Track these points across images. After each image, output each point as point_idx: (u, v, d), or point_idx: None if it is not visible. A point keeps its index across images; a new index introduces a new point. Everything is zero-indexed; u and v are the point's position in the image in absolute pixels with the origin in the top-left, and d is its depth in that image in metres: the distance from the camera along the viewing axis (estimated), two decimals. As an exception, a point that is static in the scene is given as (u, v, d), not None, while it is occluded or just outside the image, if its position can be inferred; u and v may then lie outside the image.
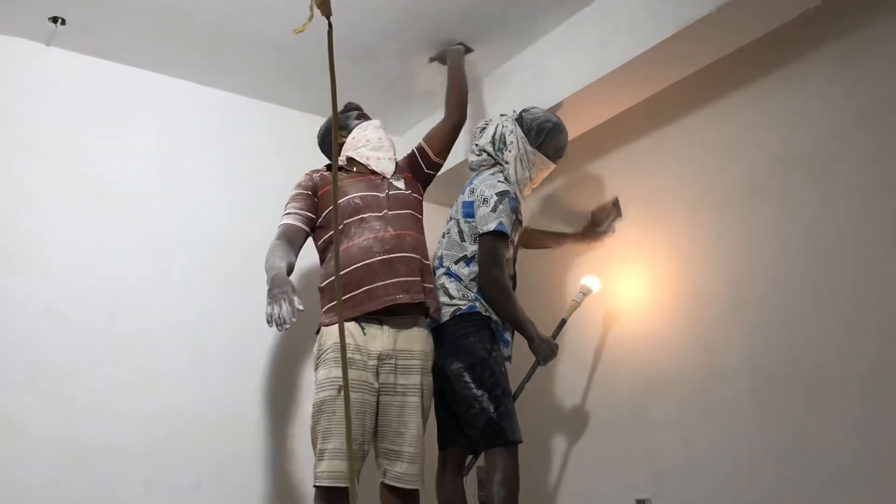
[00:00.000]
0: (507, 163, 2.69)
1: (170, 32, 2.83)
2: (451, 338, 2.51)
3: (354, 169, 2.66)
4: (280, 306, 2.07)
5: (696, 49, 2.62)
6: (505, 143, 2.71)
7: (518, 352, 2.69)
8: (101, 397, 2.62)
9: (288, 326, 2.05)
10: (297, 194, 2.55)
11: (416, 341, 2.44)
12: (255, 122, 3.27)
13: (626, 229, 3.03)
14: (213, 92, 3.21)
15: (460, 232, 2.63)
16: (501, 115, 2.80)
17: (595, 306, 3.04)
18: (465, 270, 2.57)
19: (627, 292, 2.98)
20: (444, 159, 2.79)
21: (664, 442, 2.76)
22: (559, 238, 3.15)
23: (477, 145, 2.79)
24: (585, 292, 2.91)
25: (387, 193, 2.56)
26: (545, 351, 2.56)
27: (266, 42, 2.92)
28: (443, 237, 2.72)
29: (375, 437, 2.38)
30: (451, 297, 2.55)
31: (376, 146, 2.67)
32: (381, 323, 2.40)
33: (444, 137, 2.78)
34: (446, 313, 2.54)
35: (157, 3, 2.65)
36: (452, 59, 2.95)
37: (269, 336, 3.01)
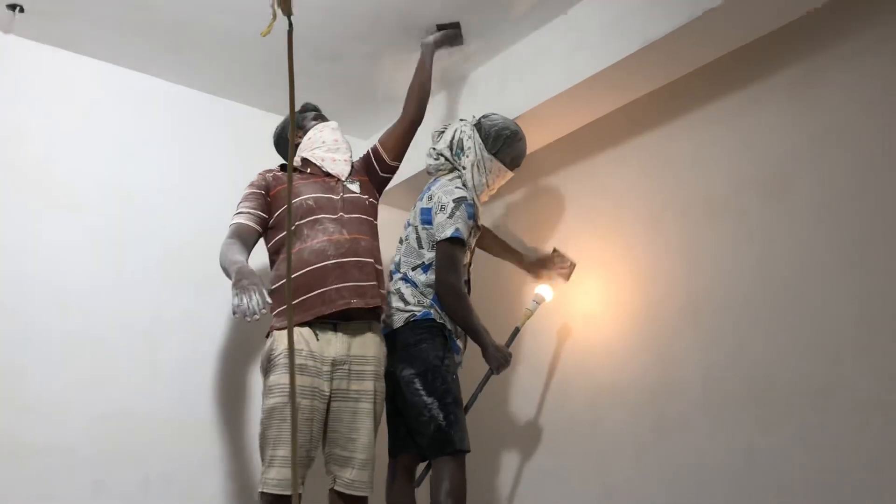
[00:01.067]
0: (463, 168, 2.69)
1: (134, 25, 2.79)
2: (404, 344, 2.50)
3: (309, 170, 2.63)
4: (250, 297, 2.03)
5: (660, 66, 2.65)
6: (462, 149, 2.70)
7: (471, 359, 2.69)
8: (49, 396, 2.57)
9: (258, 318, 2.02)
10: (250, 193, 2.52)
11: (369, 347, 2.42)
12: (215, 120, 3.23)
13: (586, 240, 3.04)
14: (174, 87, 3.16)
15: (418, 239, 2.62)
16: (461, 121, 2.80)
17: (551, 316, 3.05)
18: (421, 277, 2.57)
19: (584, 303, 3.00)
20: (400, 162, 2.76)
21: (616, 455, 2.77)
22: (508, 253, 3.11)
23: (434, 149, 2.78)
24: (539, 301, 2.91)
25: (342, 196, 2.54)
26: (498, 360, 2.56)
27: (231, 40, 2.89)
28: (400, 243, 2.71)
29: (324, 444, 2.37)
30: (407, 303, 2.55)
31: (332, 148, 2.64)
32: (335, 328, 2.38)
33: (400, 139, 2.76)
34: (400, 319, 2.53)
35: (122, -5, 2.61)
36: (422, 52, 2.87)
37: (220, 338, 2.98)
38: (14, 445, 2.47)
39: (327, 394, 2.34)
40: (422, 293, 2.55)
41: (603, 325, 2.92)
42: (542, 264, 3.06)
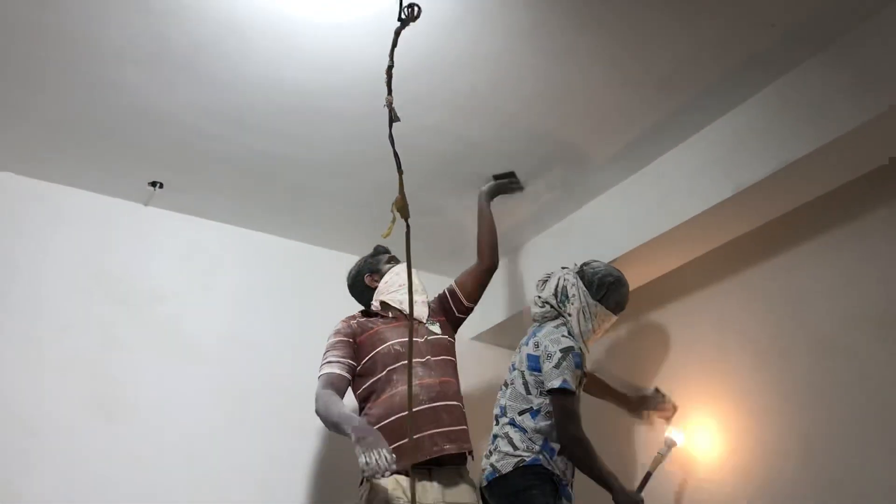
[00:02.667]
0: (569, 315, 2.76)
1: (256, 192, 3.08)
2: (514, 489, 2.52)
3: (390, 314, 2.70)
4: (379, 454, 2.06)
5: (757, 207, 2.68)
6: (567, 296, 2.78)
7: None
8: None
9: (388, 475, 2.07)
10: (338, 342, 2.57)
11: (464, 494, 2.43)
12: (327, 270, 3.41)
13: (690, 378, 3.02)
14: (288, 242, 3.41)
15: (525, 384, 2.67)
16: (563, 269, 2.89)
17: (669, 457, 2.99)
18: (530, 423, 2.61)
19: (698, 443, 2.93)
20: (475, 304, 2.85)
21: None
22: (609, 395, 3.14)
23: (539, 297, 2.86)
24: (671, 445, 2.86)
25: (426, 339, 2.60)
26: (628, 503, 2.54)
27: (340, 199, 3.13)
28: (505, 387, 2.77)
29: None
30: (515, 448, 2.57)
31: None
32: (429, 474, 2.38)
33: (477, 282, 2.86)
34: (509, 464, 2.55)
35: (247, 166, 2.89)
36: (480, 202, 2.99)
37: (334, 480, 3.06)
38: None
39: None
40: (530, 439, 2.58)
41: (717, 466, 2.84)
42: (644, 404, 3.07)
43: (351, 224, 3.30)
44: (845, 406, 2.48)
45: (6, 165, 2.85)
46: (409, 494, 2.30)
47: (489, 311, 3.63)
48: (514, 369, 2.76)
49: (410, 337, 1.40)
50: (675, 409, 2.97)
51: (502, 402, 2.74)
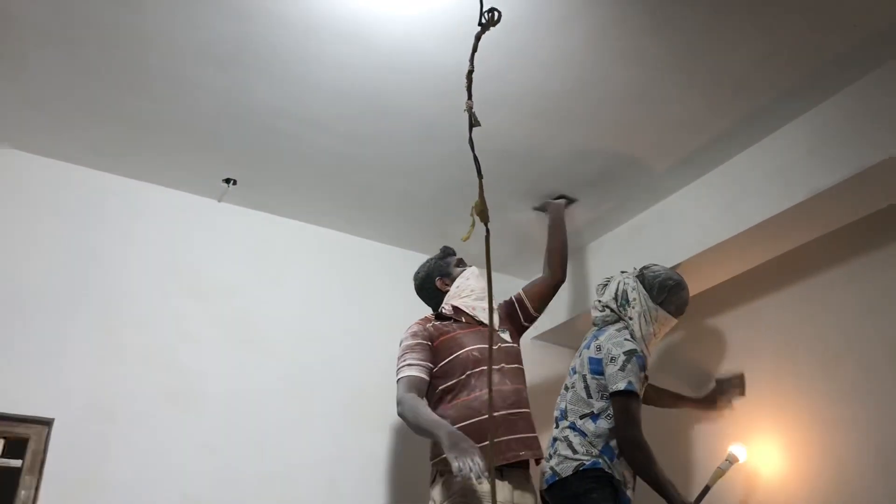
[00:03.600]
0: (630, 319, 2.76)
1: (326, 190, 3.14)
2: (574, 493, 2.53)
3: (463, 319, 2.74)
4: (473, 461, 2.12)
5: (830, 213, 2.63)
6: (628, 300, 2.78)
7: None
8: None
9: (482, 481, 2.15)
10: (416, 344, 2.63)
11: (528, 496, 2.51)
12: (393, 268, 3.47)
13: (758, 384, 2.98)
14: (356, 240, 3.47)
15: (586, 387, 2.68)
16: (622, 273, 2.88)
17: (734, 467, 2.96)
18: (590, 426, 2.61)
19: (764, 454, 2.89)
20: (540, 314, 2.91)
21: None
22: (677, 400, 3.13)
23: (600, 301, 2.86)
24: (732, 461, 2.83)
25: (499, 346, 2.66)
26: None
27: (408, 197, 3.18)
28: (566, 390, 2.78)
29: None
30: (575, 452, 2.58)
31: (480, 296, 2.77)
32: (500, 475, 2.45)
33: (545, 294, 2.92)
34: (569, 467, 2.56)
35: (318, 165, 2.96)
36: (554, 213, 3.04)
37: (399, 474, 3.12)
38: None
39: None
40: (590, 443, 2.58)
41: (785, 477, 2.80)
42: (713, 397, 3.06)
43: (418, 223, 3.35)
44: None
45: (89, 161, 2.96)
46: (479, 492, 2.36)
47: (552, 311, 3.63)
48: (575, 373, 2.77)
49: (490, 343, 1.44)
50: (741, 378, 3.00)
51: (563, 405, 2.75)
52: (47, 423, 2.63)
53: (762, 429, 2.92)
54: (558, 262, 2.96)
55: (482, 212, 1.45)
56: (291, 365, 3.12)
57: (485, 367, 2.56)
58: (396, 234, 3.46)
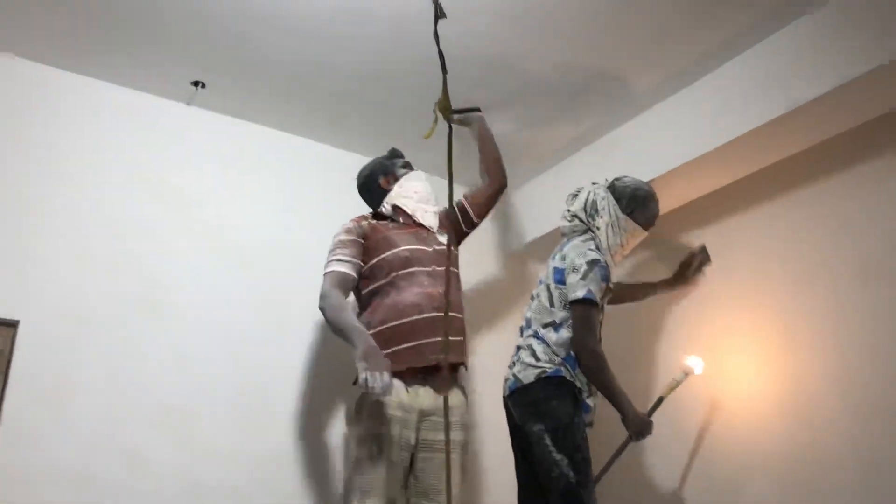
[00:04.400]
0: (598, 229, 2.74)
1: (299, 96, 3.05)
2: (535, 399, 2.56)
3: (401, 220, 2.70)
4: (382, 379, 2.16)
5: (810, 126, 2.61)
6: (597, 210, 2.76)
7: (608, 425, 2.70)
8: (220, 439, 2.81)
9: (384, 399, 2.20)
10: (350, 240, 2.58)
11: (455, 397, 2.52)
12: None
13: (729, 302, 2.99)
14: (330, 149, 3.40)
15: (550, 297, 2.68)
16: (593, 184, 2.86)
17: (695, 378, 3.00)
18: (553, 336, 2.62)
19: (728, 366, 2.93)
20: (482, 221, 2.87)
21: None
22: (651, 288, 3.13)
23: (569, 211, 2.84)
24: (687, 372, 2.88)
25: (434, 248, 2.61)
26: (639, 427, 2.58)
27: (381, 105, 3.10)
28: (532, 300, 2.78)
29: (410, 495, 2.43)
30: (538, 360, 2.60)
31: (423, 198, 2.73)
32: (423, 380, 2.44)
33: (488, 201, 2.87)
34: (531, 375, 2.58)
35: (290, 70, 2.87)
36: (479, 123, 2.96)
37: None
38: (189, 484, 2.71)
39: (413, 444, 2.41)
40: (553, 351, 2.59)
41: (749, 392, 2.85)
42: (681, 273, 3.08)
43: (392, 132, 3.26)
44: (891, 332, 2.44)
45: (48, 58, 2.83)
46: (401, 397, 2.39)
47: (528, 226, 3.62)
48: (541, 283, 2.77)
49: (449, 247, 1.38)
50: (703, 249, 3.03)
51: (527, 314, 2.76)
52: (13, 324, 2.60)
53: (730, 346, 2.94)
54: (496, 168, 2.91)
55: (445, 108, 1.40)
56: (265, 275, 3.08)
57: (415, 269, 2.53)
58: (370, 145, 3.37)
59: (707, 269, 3.05)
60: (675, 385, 2.87)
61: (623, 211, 2.75)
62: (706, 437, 2.97)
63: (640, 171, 2.92)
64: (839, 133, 2.65)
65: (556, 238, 3.36)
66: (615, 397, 2.56)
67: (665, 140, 2.97)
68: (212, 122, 3.15)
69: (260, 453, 2.86)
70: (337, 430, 3.02)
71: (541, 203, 3.56)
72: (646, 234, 2.83)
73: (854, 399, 2.50)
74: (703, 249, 3.05)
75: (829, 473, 2.51)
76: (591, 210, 2.77)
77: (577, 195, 2.87)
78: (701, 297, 3.10)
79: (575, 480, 2.43)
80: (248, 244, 3.09)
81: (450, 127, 1.42)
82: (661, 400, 2.84)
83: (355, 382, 2.46)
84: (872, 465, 2.40)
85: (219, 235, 3.04)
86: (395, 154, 2.88)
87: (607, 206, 2.74)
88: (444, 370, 1.32)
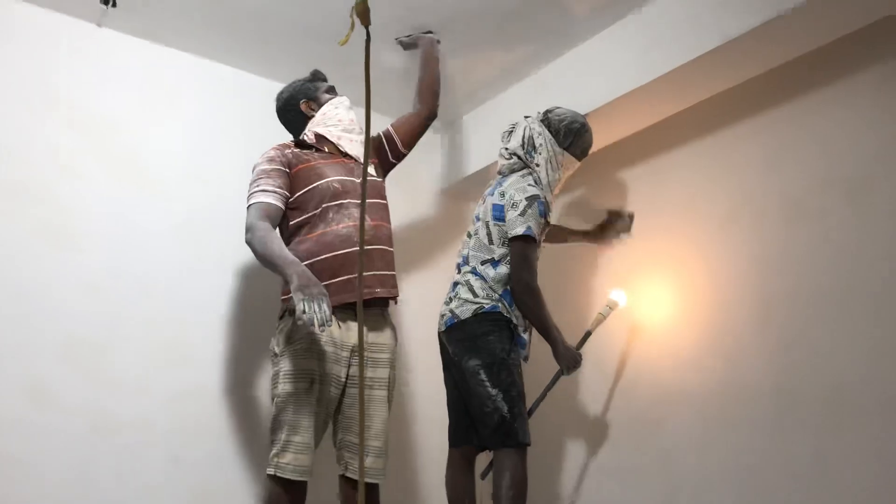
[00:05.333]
0: (537, 166, 2.71)
1: (217, 18, 2.88)
2: (472, 335, 2.54)
3: (326, 149, 2.59)
4: (319, 307, 2.04)
5: (740, 62, 2.60)
6: (534, 146, 2.72)
7: (540, 360, 2.71)
8: (131, 372, 2.70)
9: (324, 330, 2.10)
10: (274, 170, 2.44)
11: (385, 335, 2.47)
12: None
13: (657, 238, 3.01)
14: (253, 78, 3.23)
15: (489, 234, 2.65)
16: (526, 118, 2.81)
17: (621, 315, 3.02)
18: (490, 272, 2.60)
19: (654, 301, 2.97)
20: (410, 151, 2.79)
21: (681, 455, 2.76)
22: (569, 234, 3.14)
23: (507, 149, 2.79)
24: (612, 306, 2.92)
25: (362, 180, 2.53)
26: (569, 360, 2.61)
27: (308, 33, 2.96)
28: (469, 237, 2.74)
29: (337, 430, 2.40)
30: (475, 295, 2.58)
31: (348, 128, 2.62)
32: (355, 315, 2.37)
33: (415, 129, 2.78)
34: (468, 310, 2.57)
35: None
36: (426, 48, 2.89)
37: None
38: (99, 419, 2.61)
39: (344, 380, 2.36)
40: (491, 287, 2.58)
41: (672, 324, 2.90)
42: (602, 228, 3.09)
43: (316, 59, 3.11)
44: (808, 268, 2.49)
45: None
46: (332, 333, 2.32)
47: (461, 162, 3.56)
48: (479, 220, 2.72)
49: (365, 169, 1.26)
50: (631, 216, 3.04)
51: (465, 251, 2.72)
52: None
53: (656, 282, 2.97)
54: (430, 95, 2.84)
55: (363, 12, 1.30)
56: (181, 206, 2.94)
57: (346, 201, 2.45)
58: (293, 73, 3.22)
59: (625, 238, 3.06)
60: (601, 319, 2.90)
61: (560, 145, 2.72)
62: (631, 373, 3.02)
63: (574, 106, 2.87)
64: (768, 70, 2.65)
65: (487, 175, 3.33)
66: (548, 332, 2.57)
67: (597, 75, 2.93)
68: (126, 45, 2.96)
69: (175, 387, 2.77)
70: (260, 365, 2.94)
71: (474, 140, 3.50)
72: (579, 164, 2.81)
73: (773, 334, 2.55)
74: (628, 217, 3.04)
75: (747, 405, 2.58)
76: (529, 147, 2.73)
77: (512, 132, 2.82)
78: (632, 232, 3.10)
79: (509, 415, 2.43)
80: (164, 173, 2.94)
81: (367, 34, 1.32)
82: (588, 334, 2.88)
83: (282, 317, 2.41)
84: (789, 396, 2.46)
85: (133, 163, 2.88)
86: (317, 76, 2.74)
87: (545, 143, 2.71)
88: (359, 302, 1.23)
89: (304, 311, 2.02)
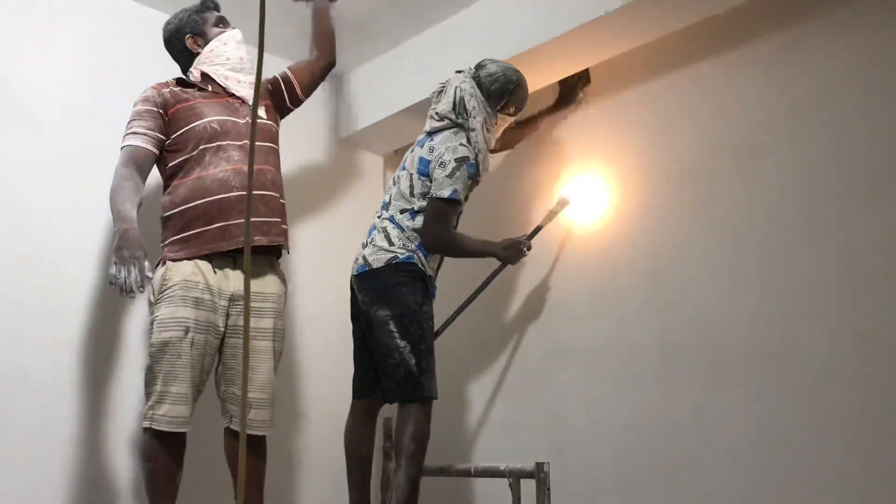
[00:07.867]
0: (472, 129, 2.60)
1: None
2: (384, 285, 2.48)
3: (210, 88, 2.47)
4: (129, 272, 1.99)
5: (631, 29, 2.62)
6: (466, 110, 2.61)
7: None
8: (1, 320, 2.50)
9: (133, 297, 2.02)
10: (145, 111, 2.35)
11: (270, 284, 2.40)
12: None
13: (547, 201, 3.00)
14: (149, 12, 2.98)
15: (411, 186, 2.57)
16: (457, 73, 2.70)
17: (513, 273, 3.03)
18: (408, 222, 2.54)
19: (544, 263, 3.01)
20: (307, 98, 2.73)
21: (569, 409, 2.83)
22: (533, 122, 3.02)
23: (438, 113, 2.67)
24: (563, 204, 2.88)
25: (247, 121, 2.42)
26: (512, 251, 2.69)
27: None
28: (392, 185, 2.66)
29: (219, 382, 2.35)
30: (391, 244, 2.51)
31: (236, 67, 2.50)
32: (234, 263, 2.33)
33: (315, 76, 2.73)
34: (382, 259, 2.50)
35: None
36: (319, 1, 2.82)
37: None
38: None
39: (222, 329, 2.30)
40: (407, 237, 2.52)
41: (562, 285, 2.95)
42: (563, 96, 3.02)
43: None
44: (697, 229, 2.59)
45: None
46: (208, 280, 2.25)
47: (363, 111, 3.46)
48: (404, 169, 2.64)
49: (254, 114, 1.14)
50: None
51: (386, 198, 2.65)
52: None
53: (551, 241, 2.99)
54: (326, 43, 2.78)
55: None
56: (61, 143, 2.71)
57: (225, 142, 2.35)
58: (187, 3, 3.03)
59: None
60: (552, 215, 2.88)
61: (493, 107, 2.65)
62: (524, 329, 3.04)
63: (490, 53, 2.77)
64: (659, 37, 2.67)
65: (392, 125, 3.27)
66: (482, 250, 2.66)
67: (502, 29, 2.88)
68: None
69: (46, 337, 2.58)
70: (138, 314, 2.78)
71: (377, 88, 3.40)
72: (514, 118, 2.76)
73: (661, 294, 2.63)
74: (587, 74, 2.97)
75: (634, 362, 2.66)
76: (461, 109, 2.62)
77: (442, 92, 2.70)
78: (521, 199, 3.12)
79: (416, 367, 2.40)
80: (39, 105, 2.70)
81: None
82: (539, 228, 2.87)
83: (157, 265, 2.30)
84: (673, 353, 2.56)
85: (5, 95, 2.64)
86: (206, 6, 2.56)
87: (477, 105, 2.61)
88: (246, 249, 1.15)
89: (115, 277, 1.99)
